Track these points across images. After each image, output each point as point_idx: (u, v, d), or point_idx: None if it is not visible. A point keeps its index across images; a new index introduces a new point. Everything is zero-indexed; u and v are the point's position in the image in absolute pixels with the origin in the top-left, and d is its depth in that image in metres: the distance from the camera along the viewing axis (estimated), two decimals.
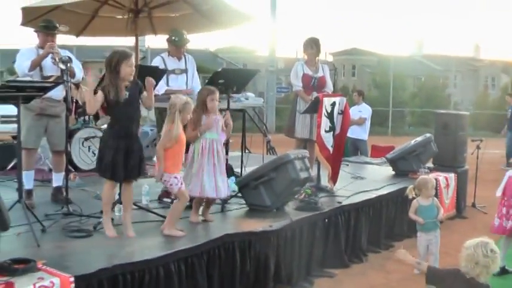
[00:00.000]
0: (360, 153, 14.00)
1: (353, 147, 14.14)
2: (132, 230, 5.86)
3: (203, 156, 6.45)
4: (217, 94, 6.55)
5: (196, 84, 8.29)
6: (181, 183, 6.07)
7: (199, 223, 6.55)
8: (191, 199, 6.93)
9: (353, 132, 13.85)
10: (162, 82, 7.76)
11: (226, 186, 6.66)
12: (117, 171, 5.69)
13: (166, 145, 5.95)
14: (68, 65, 7.03)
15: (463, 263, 4.39)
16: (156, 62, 8.12)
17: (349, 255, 7.68)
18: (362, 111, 14.16)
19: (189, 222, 6.45)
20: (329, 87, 9.27)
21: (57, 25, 7.62)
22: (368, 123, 14.24)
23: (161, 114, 7.84)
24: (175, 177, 6.01)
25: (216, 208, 7.09)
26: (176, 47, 8.18)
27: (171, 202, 7.20)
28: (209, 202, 6.77)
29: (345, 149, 9.73)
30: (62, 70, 7.04)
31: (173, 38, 8.17)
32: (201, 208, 6.76)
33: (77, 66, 7.44)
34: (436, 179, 10.20)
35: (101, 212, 6.39)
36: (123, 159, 5.67)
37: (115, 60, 5.64)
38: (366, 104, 14.61)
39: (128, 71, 5.68)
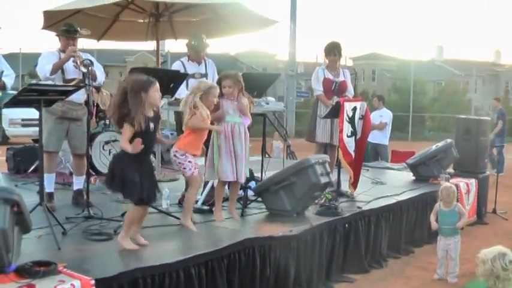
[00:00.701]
0: (381, 158, 13.94)
1: (374, 152, 14.09)
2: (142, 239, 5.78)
3: (226, 139, 6.50)
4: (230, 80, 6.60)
5: None
6: (196, 169, 6.09)
7: (219, 227, 6.54)
8: (211, 204, 6.97)
9: (374, 137, 13.81)
10: (183, 86, 7.76)
11: (244, 172, 6.72)
12: (143, 192, 5.46)
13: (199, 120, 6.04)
14: (90, 68, 7.06)
15: (482, 277, 4.27)
16: (176, 66, 8.11)
17: (369, 261, 7.64)
18: (383, 116, 14.12)
19: (209, 226, 6.44)
20: (350, 92, 9.25)
21: (78, 29, 7.66)
22: (389, 128, 14.18)
23: (180, 118, 7.84)
24: (190, 161, 6.04)
25: (237, 213, 7.07)
26: (195, 52, 8.18)
27: None
28: (234, 196, 6.87)
29: (364, 154, 9.68)
30: (83, 73, 7.07)
31: (192, 42, 8.16)
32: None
33: (98, 70, 7.47)
34: (456, 185, 10.16)
35: (122, 215, 6.42)
36: (146, 182, 5.54)
37: (141, 86, 5.41)
38: (387, 108, 14.56)
39: (156, 96, 5.53)
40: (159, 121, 5.76)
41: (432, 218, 7.37)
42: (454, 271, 7.25)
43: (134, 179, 5.35)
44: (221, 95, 6.53)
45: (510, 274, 4.12)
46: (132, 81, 5.44)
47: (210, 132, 6.46)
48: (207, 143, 6.71)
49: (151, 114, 5.49)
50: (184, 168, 6.09)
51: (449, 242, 7.22)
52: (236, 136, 6.57)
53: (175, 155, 6.13)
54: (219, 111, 6.52)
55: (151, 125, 5.47)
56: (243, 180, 6.78)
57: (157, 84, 5.53)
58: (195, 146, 6.16)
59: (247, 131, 6.74)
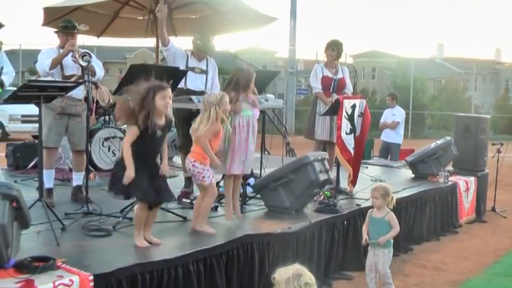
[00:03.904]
0: (391, 157, 13.90)
1: (385, 151, 14.08)
2: (155, 238, 5.77)
3: (241, 133, 6.58)
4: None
5: (215, 87, 8.20)
6: (213, 177, 6.14)
7: (217, 223, 6.54)
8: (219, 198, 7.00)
9: (387, 136, 13.85)
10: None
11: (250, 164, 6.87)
12: (148, 190, 5.45)
13: (206, 140, 6.03)
14: (89, 62, 7.06)
15: None
16: (180, 52, 7.99)
17: None
18: (395, 114, 14.08)
19: (208, 223, 6.43)
20: (349, 89, 9.24)
21: (77, 25, 7.66)
22: (402, 127, 14.15)
23: (178, 115, 7.83)
24: (208, 170, 6.08)
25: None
26: (197, 50, 8.11)
27: (190, 203, 7.23)
28: (236, 188, 6.91)
29: (364, 151, 9.68)
30: (82, 68, 7.07)
31: (198, 42, 8.07)
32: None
33: (97, 65, 7.47)
34: (455, 183, 10.19)
35: (121, 211, 6.43)
36: (152, 182, 5.53)
37: (151, 92, 5.38)
38: (400, 107, 14.53)
39: (163, 103, 5.52)
40: (169, 129, 5.76)
41: (364, 228, 6.56)
42: (389, 282, 6.45)
43: (137, 179, 5.35)
44: (237, 90, 6.65)
45: None
46: (146, 86, 5.45)
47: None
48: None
49: (161, 121, 5.47)
50: (203, 177, 6.08)
51: (378, 253, 6.39)
52: (250, 130, 6.67)
53: (194, 165, 6.10)
54: (238, 104, 6.60)
55: (159, 132, 5.45)
56: (249, 171, 6.99)
57: (168, 91, 5.50)
58: (206, 156, 6.16)
59: (256, 123, 6.84)
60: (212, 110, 6.04)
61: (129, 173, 5.27)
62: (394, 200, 6.48)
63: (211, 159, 6.09)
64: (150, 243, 5.54)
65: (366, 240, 6.45)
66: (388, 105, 14.52)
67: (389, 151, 14.06)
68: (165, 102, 5.45)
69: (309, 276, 3.55)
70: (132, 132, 5.35)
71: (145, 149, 5.44)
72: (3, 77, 6.97)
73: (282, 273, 3.55)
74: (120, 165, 5.49)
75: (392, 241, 6.46)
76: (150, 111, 5.34)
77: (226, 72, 24.74)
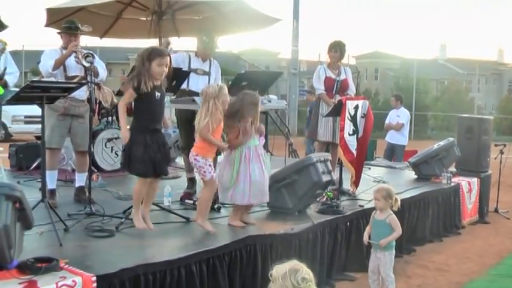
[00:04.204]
0: (396, 158, 13.90)
1: (390, 152, 14.08)
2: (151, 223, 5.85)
3: (249, 164, 6.38)
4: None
5: None
6: (214, 172, 6.14)
7: (220, 224, 6.54)
8: (213, 202, 6.97)
9: (392, 138, 13.88)
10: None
11: (263, 193, 6.58)
12: (147, 166, 5.68)
13: (208, 134, 6.03)
14: (92, 63, 7.08)
15: None
16: (180, 57, 8.01)
17: None
18: (400, 116, 14.11)
19: (211, 224, 6.41)
20: (352, 90, 9.24)
21: (80, 26, 7.66)
22: (407, 128, 14.15)
23: (180, 113, 7.84)
24: (210, 165, 6.09)
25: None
26: (204, 48, 8.10)
27: (193, 203, 7.22)
28: (249, 206, 6.76)
29: (367, 153, 9.68)
30: (85, 68, 7.08)
31: (204, 38, 8.06)
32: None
33: (100, 66, 7.48)
34: (458, 184, 10.18)
35: (123, 212, 6.44)
36: (152, 154, 5.66)
37: (147, 55, 5.64)
38: (405, 108, 14.53)
39: (158, 70, 5.65)
40: (164, 96, 5.94)
41: (367, 229, 6.56)
42: None
43: (137, 153, 5.46)
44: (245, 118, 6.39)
45: None
46: (144, 49, 5.59)
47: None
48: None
49: (157, 82, 5.59)
50: (205, 172, 6.09)
51: (379, 256, 6.35)
52: (255, 159, 6.44)
53: (196, 159, 6.11)
54: (248, 136, 6.37)
55: (157, 93, 5.58)
56: (254, 202, 6.60)
57: (166, 59, 5.62)
58: (209, 150, 6.16)
59: (263, 150, 6.66)
60: (211, 102, 6.04)
61: (125, 134, 5.43)
62: (399, 202, 6.43)
63: (218, 146, 6.13)
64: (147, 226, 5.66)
65: (366, 240, 6.45)
66: (393, 106, 14.53)
67: (393, 152, 14.06)
68: (161, 70, 5.60)
69: (306, 272, 3.52)
70: (128, 93, 5.52)
71: (149, 112, 5.51)
72: (7, 77, 6.98)
73: (278, 269, 3.51)
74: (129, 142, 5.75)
75: (394, 243, 6.41)
76: (145, 74, 5.47)
77: (229, 73, 24.79)
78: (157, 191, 6.12)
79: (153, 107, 5.77)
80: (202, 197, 6.29)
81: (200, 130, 6.06)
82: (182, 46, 8.02)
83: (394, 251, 6.42)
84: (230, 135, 6.38)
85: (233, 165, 6.35)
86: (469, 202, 10.49)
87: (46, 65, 7.27)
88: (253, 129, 6.43)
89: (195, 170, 6.50)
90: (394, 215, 6.35)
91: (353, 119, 8.34)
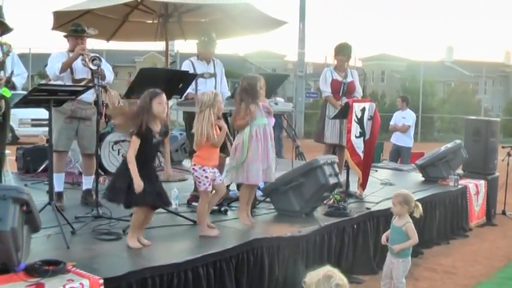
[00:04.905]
0: (402, 160, 13.87)
1: (396, 154, 14.06)
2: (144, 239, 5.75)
3: (258, 142, 6.51)
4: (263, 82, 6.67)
5: (224, 88, 8.25)
6: (210, 184, 6.12)
7: (227, 227, 6.55)
8: (220, 204, 6.98)
9: (397, 139, 13.86)
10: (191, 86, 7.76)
11: (273, 171, 6.77)
12: (149, 196, 5.49)
13: (202, 142, 6.05)
14: (99, 66, 7.09)
15: None
16: (185, 65, 8.08)
17: (378, 262, 7.60)
18: (406, 117, 14.07)
19: (217, 227, 6.40)
20: (358, 93, 9.24)
21: (86, 28, 7.68)
22: (412, 130, 14.14)
23: (189, 118, 7.85)
24: (207, 177, 6.07)
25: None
26: (205, 48, 8.13)
27: None
28: (252, 196, 6.90)
29: (374, 155, 9.67)
30: (92, 71, 7.10)
31: (202, 38, 8.12)
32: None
33: (107, 69, 7.48)
34: (465, 186, 10.15)
35: (130, 215, 6.43)
36: (151, 186, 5.56)
37: (147, 99, 5.52)
38: (411, 110, 14.50)
39: (160, 108, 5.61)
40: (166, 134, 5.89)
41: (387, 232, 6.44)
42: None
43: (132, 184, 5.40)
44: (246, 99, 6.55)
45: None
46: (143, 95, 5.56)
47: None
48: (224, 150, 6.83)
49: (157, 127, 5.55)
50: (200, 183, 6.11)
51: (394, 262, 6.23)
52: (268, 138, 6.60)
53: (193, 169, 6.16)
54: (251, 113, 6.50)
55: (156, 138, 5.54)
56: (273, 179, 6.87)
57: (163, 97, 5.59)
58: (209, 158, 6.15)
59: (272, 130, 6.76)
60: (207, 112, 6.06)
61: (139, 183, 5.32)
62: (421, 208, 6.28)
63: (216, 142, 6.14)
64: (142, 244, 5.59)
65: (383, 241, 6.39)
66: (399, 107, 14.49)
67: (399, 154, 14.02)
68: (163, 107, 5.55)
69: (339, 277, 3.51)
70: (135, 143, 5.44)
71: (144, 154, 5.49)
72: (14, 79, 6.99)
73: (312, 276, 3.51)
74: (119, 173, 5.59)
75: (410, 251, 6.29)
76: (147, 117, 5.44)
77: (235, 75, 24.77)
78: (151, 220, 6.04)
79: (150, 150, 5.64)
80: (198, 208, 6.28)
81: (198, 140, 6.09)
82: (188, 49, 8.02)
83: (409, 259, 6.30)
84: (235, 116, 6.59)
85: (242, 144, 6.47)
86: (477, 204, 10.47)
87: (53, 68, 7.29)
88: (260, 108, 6.56)
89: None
90: (411, 223, 6.20)
91: (360, 122, 8.34)
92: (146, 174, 5.46)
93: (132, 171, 5.38)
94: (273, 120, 6.76)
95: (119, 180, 5.55)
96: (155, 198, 5.52)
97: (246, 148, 6.47)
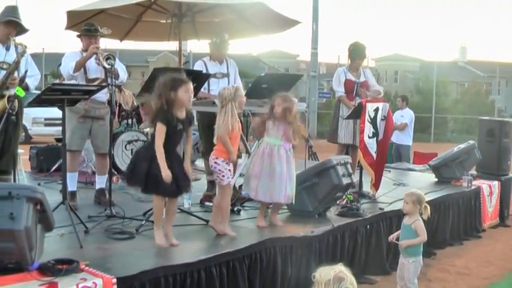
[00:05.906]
0: (402, 159, 13.88)
1: (397, 153, 14.07)
2: (174, 239, 5.75)
3: (262, 160, 6.45)
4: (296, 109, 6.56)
5: None
6: (232, 178, 6.15)
7: (241, 227, 6.55)
8: (233, 204, 6.97)
9: (397, 138, 13.84)
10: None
11: (283, 192, 6.52)
12: (166, 185, 5.45)
13: (225, 134, 6.05)
14: (113, 65, 7.09)
15: None
16: (198, 66, 8.10)
17: (391, 262, 7.59)
18: (404, 116, 14.13)
19: (231, 226, 6.38)
20: (376, 86, 9.22)
21: (99, 28, 7.69)
22: (411, 128, 14.15)
23: (202, 118, 7.86)
24: (229, 170, 6.11)
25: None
26: (217, 50, 8.15)
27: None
28: (277, 206, 6.78)
29: (387, 155, 9.65)
30: (106, 70, 7.10)
31: (214, 39, 8.14)
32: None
33: (121, 68, 7.49)
34: (479, 187, 10.11)
35: (144, 214, 6.45)
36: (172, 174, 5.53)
37: (171, 85, 5.48)
38: (410, 109, 14.53)
39: (186, 97, 5.56)
40: (190, 124, 5.82)
41: (398, 232, 6.44)
42: None
43: (152, 170, 5.40)
44: (269, 116, 6.49)
45: None
46: (164, 79, 5.51)
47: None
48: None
49: (182, 114, 5.53)
50: (223, 176, 6.09)
51: (403, 262, 6.21)
52: (275, 157, 6.43)
53: (216, 162, 6.12)
54: (259, 130, 6.55)
55: (180, 125, 5.52)
56: (282, 200, 6.59)
57: (189, 85, 5.56)
58: (230, 151, 6.15)
59: (289, 153, 6.55)
60: (229, 106, 6.06)
61: (167, 174, 5.32)
62: (429, 211, 6.25)
63: (229, 151, 6.08)
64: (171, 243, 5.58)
65: (390, 238, 6.42)
66: (399, 107, 14.55)
67: (400, 153, 14.07)
68: (188, 95, 5.52)
69: (350, 281, 3.41)
70: (161, 131, 5.41)
71: (167, 141, 5.46)
72: (28, 80, 7.02)
73: (322, 274, 3.44)
74: (139, 156, 5.67)
75: (421, 251, 6.23)
76: (173, 104, 5.42)
77: (248, 75, 24.78)
78: (176, 208, 6.00)
79: (174, 138, 5.61)
80: (223, 204, 6.23)
81: (219, 131, 6.06)
82: (201, 49, 8.03)
83: (420, 260, 6.24)
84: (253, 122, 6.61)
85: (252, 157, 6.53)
86: (490, 205, 10.42)
87: (67, 67, 7.31)
88: (277, 129, 6.46)
89: (213, 174, 6.49)
90: (421, 221, 6.18)
91: (373, 122, 8.32)
92: (167, 162, 5.45)
93: (160, 160, 5.36)
94: (288, 145, 6.54)
95: (138, 164, 5.59)
96: (169, 187, 5.47)
97: (250, 158, 6.49)
